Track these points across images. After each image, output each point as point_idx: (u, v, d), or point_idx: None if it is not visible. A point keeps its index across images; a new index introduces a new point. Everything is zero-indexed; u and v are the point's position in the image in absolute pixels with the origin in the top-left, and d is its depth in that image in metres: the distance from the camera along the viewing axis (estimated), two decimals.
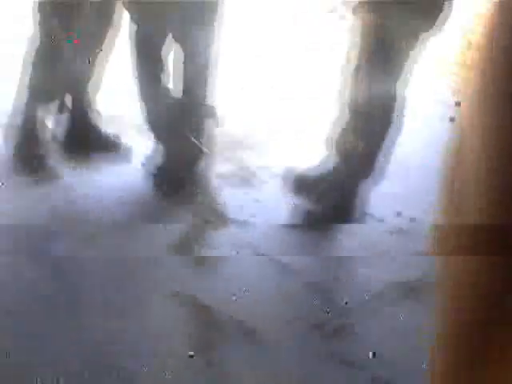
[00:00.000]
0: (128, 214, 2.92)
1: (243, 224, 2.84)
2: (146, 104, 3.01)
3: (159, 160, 3.06)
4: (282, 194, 2.96)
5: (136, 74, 3.00)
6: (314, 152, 2.98)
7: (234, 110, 3.45)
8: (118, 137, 3.23)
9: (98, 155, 3.15)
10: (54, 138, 3.19)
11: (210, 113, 3.03)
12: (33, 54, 3.05)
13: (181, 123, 3.02)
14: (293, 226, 2.85)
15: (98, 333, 2.28)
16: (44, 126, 3.16)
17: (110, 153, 3.17)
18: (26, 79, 3.09)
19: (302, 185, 2.95)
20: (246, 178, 3.13)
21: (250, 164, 3.22)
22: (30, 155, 3.13)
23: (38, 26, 3.01)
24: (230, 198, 2.99)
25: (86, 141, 3.18)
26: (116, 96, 3.32)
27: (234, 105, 3.47)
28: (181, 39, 2.96)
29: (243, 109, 3.58)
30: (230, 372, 2.20)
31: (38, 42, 3.03)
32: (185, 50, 2.96)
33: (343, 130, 2.81)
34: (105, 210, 2.91)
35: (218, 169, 3.14)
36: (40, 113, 3.14)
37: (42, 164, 3.11)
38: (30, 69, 3.07)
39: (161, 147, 3.06)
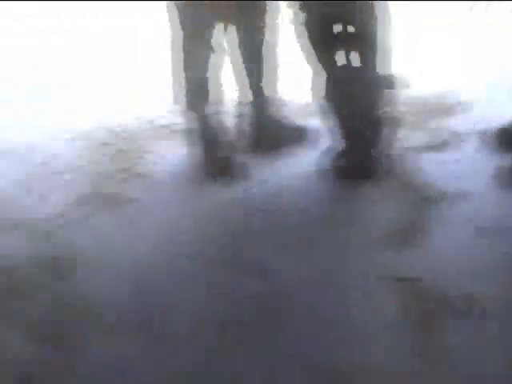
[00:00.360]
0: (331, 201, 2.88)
1: (456, 195, 2.74)
2: (324, 84, 2.97)
3: (346, 142, 3.02)
4: (486, 156, 2.89)
5: (311, 57, 2.96)
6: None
7: (420, 76, 3.37)
8: (303, 125, 3.23)
9: (288, 146, 3.16)
10: (238, 135, 3.20)
11: (391, 82, 2.97)
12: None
13: (362, 98, 2.96)
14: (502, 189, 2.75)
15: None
16: (224, 124, 3.17)
17: (298, 142, 3.17)
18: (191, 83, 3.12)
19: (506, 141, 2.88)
20: (443, 145, 3.06)
21: (446, 129, 3.14)
22: (217, 158, 3.15)
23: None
24: (433, 168, 2.90)
25: (274, 132, 3.18)
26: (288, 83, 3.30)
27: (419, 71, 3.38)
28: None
29: (429, 74, 3.49)
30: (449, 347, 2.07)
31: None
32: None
33: None
34: (303, 200, 2.87)
35: (413, 140, 3.06)
36: (216, 113, 3.17)
37: (230, 164, 3.11)
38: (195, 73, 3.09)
39: (345, 128, 3.02)
